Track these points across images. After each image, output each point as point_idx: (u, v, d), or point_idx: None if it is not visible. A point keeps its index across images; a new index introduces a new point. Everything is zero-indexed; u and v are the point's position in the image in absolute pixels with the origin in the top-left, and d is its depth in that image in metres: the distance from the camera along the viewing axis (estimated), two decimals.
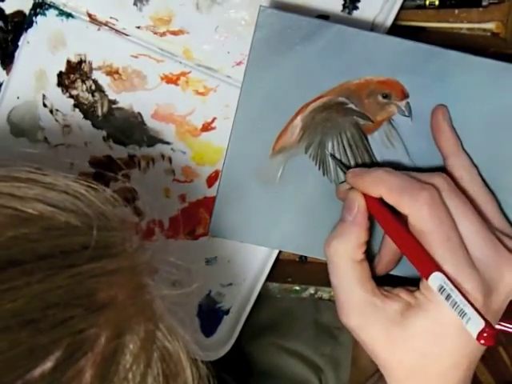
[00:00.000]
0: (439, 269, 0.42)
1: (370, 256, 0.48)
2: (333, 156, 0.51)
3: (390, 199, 0.45)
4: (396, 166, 0.51)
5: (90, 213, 0.35)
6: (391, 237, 0.46)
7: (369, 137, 0.51)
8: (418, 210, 0.43)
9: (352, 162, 0.51)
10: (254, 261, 0.59)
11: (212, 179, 0.58)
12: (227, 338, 0.60)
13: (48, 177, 0.36)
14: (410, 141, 0.51)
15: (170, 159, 0.57)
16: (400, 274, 0.52)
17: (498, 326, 0.58)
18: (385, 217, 0.45)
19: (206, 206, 0.58)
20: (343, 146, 0.51)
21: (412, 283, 0.47)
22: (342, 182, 0.50)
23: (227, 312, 0.60)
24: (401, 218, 0.45)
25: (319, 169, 0.51)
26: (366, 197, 0.46)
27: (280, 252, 0.59)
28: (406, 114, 0.50)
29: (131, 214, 0.40)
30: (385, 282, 0.48)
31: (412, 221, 0.44)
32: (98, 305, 0.32)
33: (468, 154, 0.49)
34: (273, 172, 0.52)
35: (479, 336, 0.39)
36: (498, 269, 0.44)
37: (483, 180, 0.49)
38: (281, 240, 0.53)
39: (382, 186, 0.45)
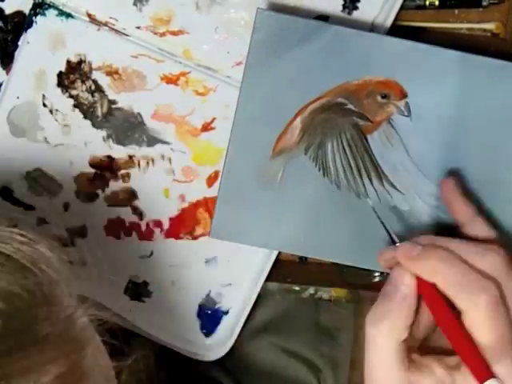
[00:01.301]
0: (494, 375, 0.41)
1: None
2: (383, 225, 0.48)
3: (446, 291, 0.43)
4: (396, 166, 0.51)
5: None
6: (442, 327, 0.44)
7: (368, 137, 0.51)
8: (477, 313, 0.41)
9: (352, 163, 0.51)
10: (254, 261, 0.59)
11: (212, 179, 0.58)
12: (227, 338, 0.60)
13: None
14: (410, 140, 0.51)
15: (169, 159, 0.57)
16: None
17: None
18: (437, 305, 0.43)
19: (206, 206, 0.58)
20: (343, 147, 0.51)
21: None
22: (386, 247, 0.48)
23: (227, 312, 0.60)
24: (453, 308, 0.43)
25: (319, 170, 0.51)
26: (418, 277, 0.44)
27: (280, 252, 0.59)
28: (405, 113, 0.50)
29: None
30: None
31: (468, 319, 0.42)
32: None
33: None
34: (273, 174, 0.52)
35: None
36: None
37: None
38: (282, 242, 0.53)
39: (438, 276, 0.43)
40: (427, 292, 0.44)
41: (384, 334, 0.43)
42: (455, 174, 0.51)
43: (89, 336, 0.37)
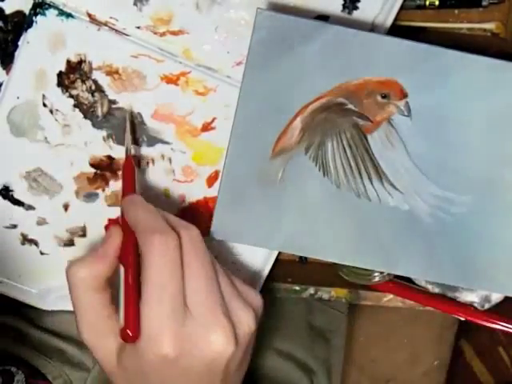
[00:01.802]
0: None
1: None
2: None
3: (134, 229, 0.46)
4: (396, 166, 0.51)
5: None
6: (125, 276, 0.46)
7: (368, 137, 0.51)
8: (148, 252, 0.44)
9: (352, 163, 0.51)
10: (254, 261, 0.59)
11: (212, 179, 0.58)
12: None
13: None
14: (410, 140, 0.51)
15: (170, 159, 0.57)
16: (401, 274, 0.52)
17: (497, 326, 0.58)
18: (127, 257, 0.46)
19: (206, 206, 0.58)
20: (343, 147, 0.51)
21: None
22: None
23: None
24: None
25: (319, 170, 0.51)
26: (126, 235, 0.47)
27: (280, 252, 0.59)
28: (405, 113, 0.50)
29: None
30: None
31: (142, 261, 0.44)
32: None
33: None
34: (273, 174, 0.52)
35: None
36: (208, 330, 0.43)
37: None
38: (282, 242, 0.53)
39: (131, 216, 0.46)
40: (127, 245, 0.46)
41: (78, 278, 0.45)
42: (455, 174, 0.51)
43: None
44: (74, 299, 0.46)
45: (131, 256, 0.46)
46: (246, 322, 0.45)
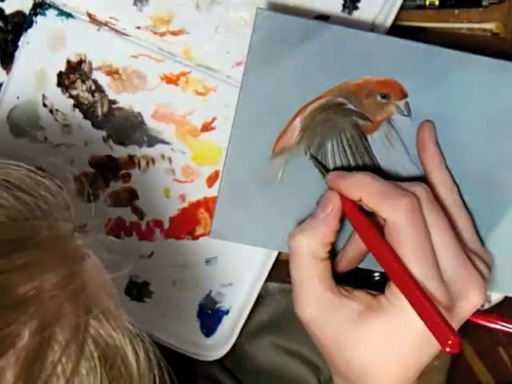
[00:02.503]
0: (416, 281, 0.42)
1: (332, 253, 0.48)
2: (314, 157, 0.51)
3: (370, 203, 0.45)
4: (396, 166, 0.51)
5: (6, 203, 0.34)
6: (365, 241, 0.46)
7: (368, 137, 0.51)
8: (397, 216, 0.43)
9: (352, 163, 0.51)
10: (254, 261, 0.59)
11: (212, 179, 0.58)
12: (227, 338, 0.60)
13: None
14: (410, 140, 0.51)
15: (170, 159, 0.57)
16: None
17: (497, 326, 0.58)
18: (360, 221, 0.46)
19: (206, 206, 0.58)
20: (343, 147, 0.51)
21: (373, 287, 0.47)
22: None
23: (227, 312, 0.60)
24: (375, 223, 0.46)
25: (319, 170, 0.51)
26: (343, 199, 0.47)
27: (280, 252, 0.59)
28: (405, 113, 0.50)
29: (67, 196, 0.39)
30: (347, 282, 0.48)
31: (389, 226, 0.44)
32: (15, 301, 0.31)
33: (450, 172, 0.50)
34: (273, 174, 0.52)
35: (445, 345, 0.39)
36: (465, 286, 0.44)
37: (463, 199, 0.50)
38: (282, 242, 0.52)
39: (364, 189, 0.45)
40: (351, 210, 0.46)
41: (302, 248, 0.46)
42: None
43: (87, 252, 0.37)
44: (298, 270, 0.46)
45: (363, 219, 0.45)
46: (487, 275, 0.47)
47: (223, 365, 0.62)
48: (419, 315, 0.40)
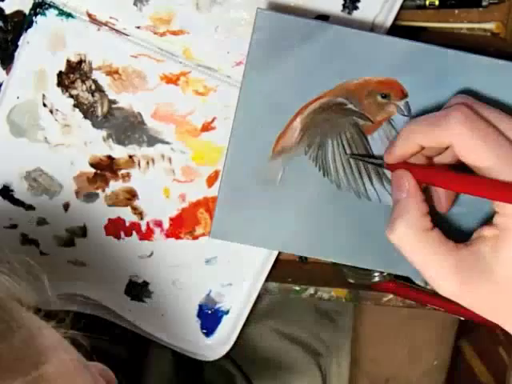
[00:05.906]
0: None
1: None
2: (354, 155, 0.51)
3: (429, 141, 0.44)
4: None
5: None
6: (451, 187, 0.45)
7: (368, 137, 0.51)
8: (458, 132, 0.42)
9: (352, 162, 0.51)
10: (254, 261, 0.59)
11: (212, 179, 0.58)
12: (227, 337, 0.60)
13: None
14: None
15: (170, 159, 0.57)
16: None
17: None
18: (438, 175, 0.45)
19: (206, 206, 0.58)
20: (343, 147, 0.51)
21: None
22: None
23: (227, 312, 0.60)
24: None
25: (319, 170, 0.51)
26: (410, 169, 0.46)
27: (280, 252, 0.59)
28: (406, 113, 0.50)
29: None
30: None
31: (458, 148, 0.42)
32: None
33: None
34: (273, 174, 0.52)
35: None
36: None
37: None
38: (282, 242, 0.53)
39: (415, 135, 0.44)
40: (421, 172, 0.45)
41: (407, 233, 0.44)
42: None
43: (52, 347, 0.36)
44: (417, 255, 0.44)
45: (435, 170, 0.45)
46: None
47: (227, 352, 0.61)
48: None
